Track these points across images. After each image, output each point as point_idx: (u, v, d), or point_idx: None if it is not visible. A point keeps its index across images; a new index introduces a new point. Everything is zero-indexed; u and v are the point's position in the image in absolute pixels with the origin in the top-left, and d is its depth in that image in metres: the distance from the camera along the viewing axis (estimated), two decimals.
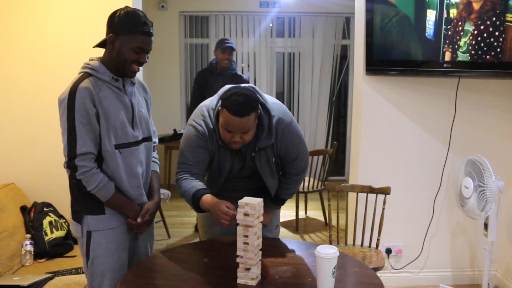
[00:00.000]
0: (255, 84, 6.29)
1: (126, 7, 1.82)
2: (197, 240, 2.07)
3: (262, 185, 2.10)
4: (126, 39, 1.77)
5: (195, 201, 1.91)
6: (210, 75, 4.22)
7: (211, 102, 1.99)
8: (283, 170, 2.15)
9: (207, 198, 1.88)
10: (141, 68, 3.13)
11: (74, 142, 1.74)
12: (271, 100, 2.02)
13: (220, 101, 1.90)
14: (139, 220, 1.89)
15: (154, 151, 2.11)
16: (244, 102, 1.78)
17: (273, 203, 2.19)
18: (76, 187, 1.85)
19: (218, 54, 4.22)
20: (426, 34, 2.97)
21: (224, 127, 1.85)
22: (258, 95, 1.92)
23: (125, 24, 1.77)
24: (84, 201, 1.86)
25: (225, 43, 4.17)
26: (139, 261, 2.00)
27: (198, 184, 1.94)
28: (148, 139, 1.99)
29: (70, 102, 1.73)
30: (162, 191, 3.84)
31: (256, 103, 1.84)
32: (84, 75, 1.80)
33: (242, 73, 6.35)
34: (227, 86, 1.95)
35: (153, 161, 2.08)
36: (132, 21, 1.76)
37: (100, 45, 1.86)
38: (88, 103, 1.74)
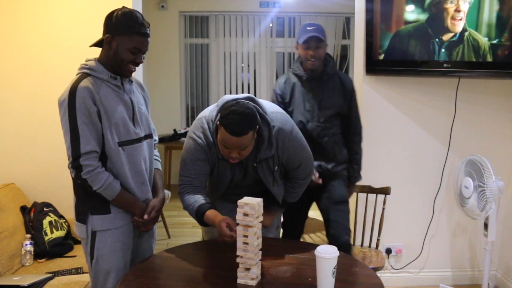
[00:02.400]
0: (255, 85, 6.32)
1: (123, 7, 1.82)
2: (197, 240, 2.07)
3: (265, 188, 2.10)
4: (123, 39, 1.78)
5: (199, 217, 1.93)
6: (300, 83, 2.61)
7: (210, 113, 1.96)
8: (288, 175, 2.14)
9: (211, 214, 1.89)
10: (141, 68, 3.17)
11: (77, 141, 1.75)
12: (271, 109, 1.98)
13: (218, 116, 1.88)
14: (145, 217, 1.89)
15: (155, 149, 2.11)
16: (241, 121, 1.76)
17: (276, 205, 2.18)
18: (81, 187, 1.85)
19: (300, 51, 2.59)
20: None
21: (221, 143, 1.84)
22: (258, 106, 1.89)
23: (122, 24, 1.77)
24: (88, 201, 1.86)
25: (306, 31, 2.52)
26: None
27: (200, 198, 1.95)
28: (149, 136, 2.00)
29: (70, 102, 1.74)
30: None
31: (255, 121, 1.81)
32: (83, 75, 1.81)
33: (242, 72, 6.35)
34: (226, 98, 1.92)
35: (155, 159, 2.09)
36: (129, 22, 1.77)
37: (97, 44, 1.87)
38: (89, 102, 1.74)
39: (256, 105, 1.89)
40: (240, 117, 1.76)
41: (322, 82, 2.61)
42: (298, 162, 2.05)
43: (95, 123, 1.77)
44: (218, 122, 1.84)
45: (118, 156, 1.83)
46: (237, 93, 6.30)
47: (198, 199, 1.94)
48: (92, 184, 1.78)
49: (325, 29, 2.59)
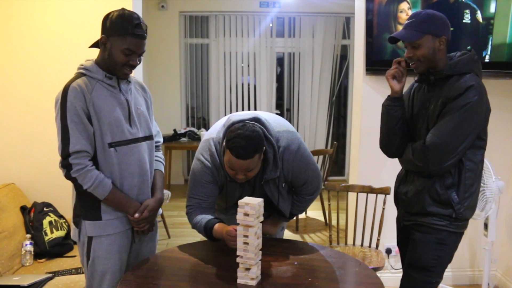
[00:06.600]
0: (255, 85, 6.31)
1: (122, 9, 1.81)
2: (197, 240, 2.07)
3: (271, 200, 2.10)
4: (117, 40, 1.77)
5: (207, 231, 1.94)
6: None
7: (218, 134, 1.96)
8: (295, 190, 2.14)
9: (219, 227, 1.90)
10: (141, 68, 3.17)
11: (67, 141, 1.75)
12: (277, 127, 1.97)
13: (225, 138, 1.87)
14: (136, 215, 1.87)
15: (159, 151, 2.11)
16: (247, 145, 1.75)
17: (283, 216, 2.18)
18: (77, 191, 1.85)
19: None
20: None
21: (228, 165, 1.84)
22: (264, 128, 1.88)
23: (116, 26, 1.76)
24: (82, 205, 1.86)
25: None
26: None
27: (208, 215, 1.97)
28: (149, 138, 1.98)
29: (62, 102, 1.75)
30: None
31: (261, 144, 1.81)
32: (78, 75, 1.82)
33: (242, 75, 6.34)
34: (232, 119, 1.90)
35: (158, 161, 2.08)
36: (123, 24, 1.76)
37: (95, 45, 1.87)
38: (79, 102, 1.75)
39: (262, 127, 1.88)
40: (246, 141, 1.75)
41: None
42: (304, 180, 2.05)
43: (85, 124, 1.77)
44: (224, 144, 1.84)
45: (108, 157, 1.82)
46: (237, 96, 6.32)
47: (206, 216, 1.96)
48: (82, 183, 1.78)
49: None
